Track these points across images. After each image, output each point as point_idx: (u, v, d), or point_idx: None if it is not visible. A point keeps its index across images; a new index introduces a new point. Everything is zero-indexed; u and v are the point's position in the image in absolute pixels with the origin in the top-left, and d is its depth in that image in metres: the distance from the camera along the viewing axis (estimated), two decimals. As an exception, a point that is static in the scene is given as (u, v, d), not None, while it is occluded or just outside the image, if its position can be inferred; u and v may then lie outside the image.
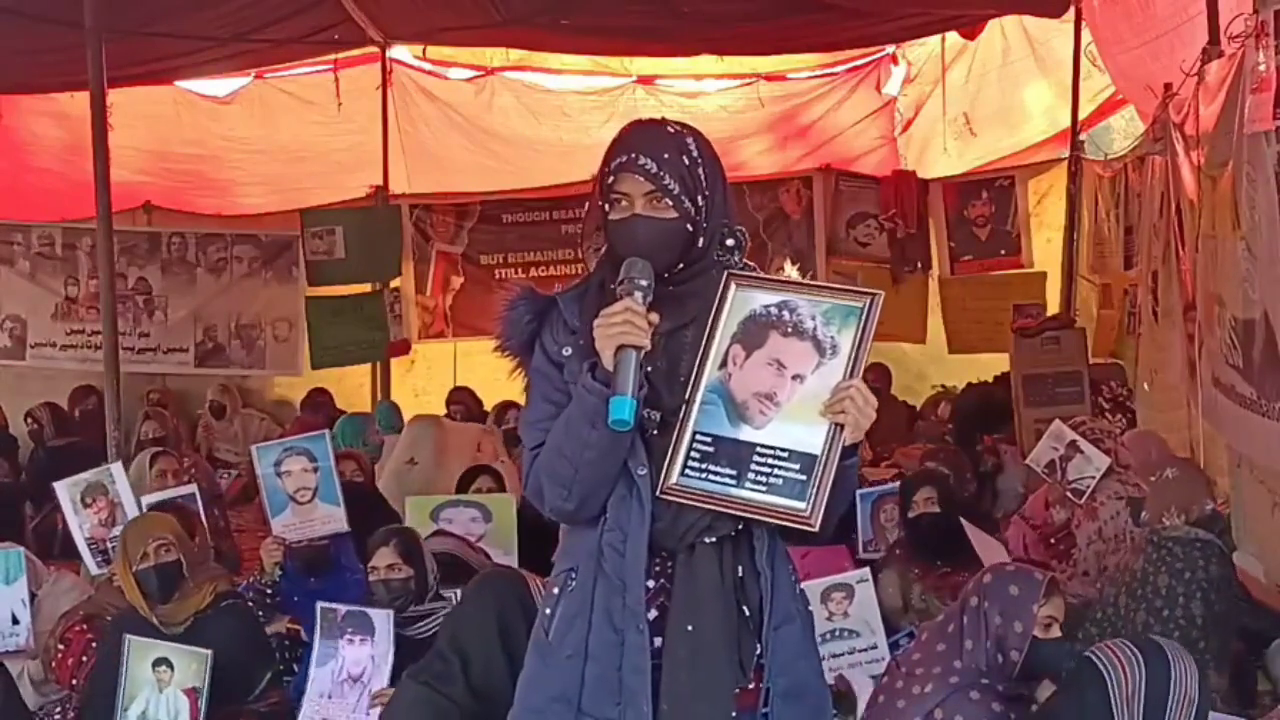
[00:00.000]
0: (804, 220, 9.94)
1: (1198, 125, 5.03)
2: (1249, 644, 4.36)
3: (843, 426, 2.30)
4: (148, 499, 5.59)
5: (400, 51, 9.76)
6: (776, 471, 2.32)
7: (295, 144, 10.11)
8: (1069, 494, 5.62)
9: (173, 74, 9.16)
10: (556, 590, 2.47)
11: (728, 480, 2.33)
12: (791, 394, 2.34)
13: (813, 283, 2.47)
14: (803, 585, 2.58)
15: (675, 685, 2.35)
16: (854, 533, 5.68)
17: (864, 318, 2.35)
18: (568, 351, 2.44)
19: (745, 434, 2.34)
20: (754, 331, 2.38)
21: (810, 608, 2.58)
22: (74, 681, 4.63)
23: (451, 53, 9.91)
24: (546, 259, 10.01)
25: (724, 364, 2.38)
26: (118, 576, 4.59)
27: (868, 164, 10.24)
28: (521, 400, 2.60)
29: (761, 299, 2.39)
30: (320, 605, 4.33)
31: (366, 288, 10.01)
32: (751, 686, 2.40)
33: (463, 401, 9.15)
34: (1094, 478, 5.54)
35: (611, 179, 2.40)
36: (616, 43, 9.17)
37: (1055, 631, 3.38)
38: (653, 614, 2.38)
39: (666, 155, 2.38)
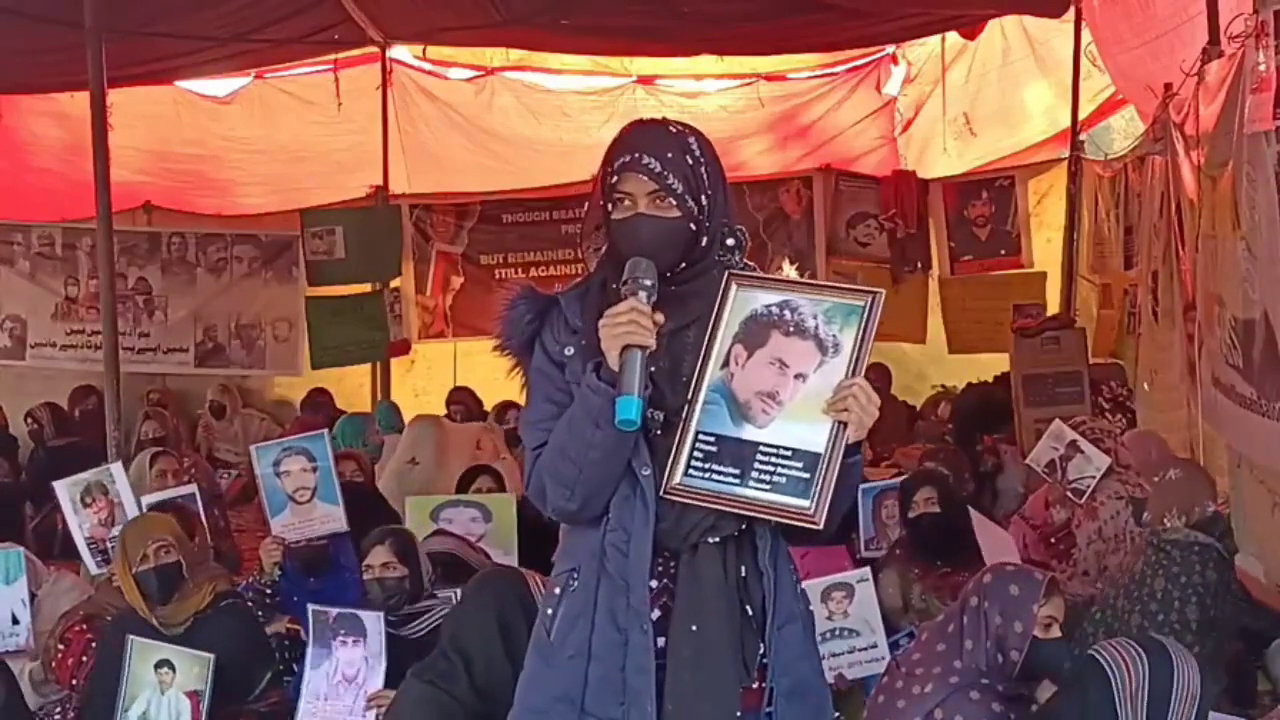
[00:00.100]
0: (804, 220, 9.94)
1: (1198, 125, 5.03)
2: (1249, 644, 4.36)
3: (846, 424, 2.30)
4: (148, 499, 5.59)
5: (400, 51, 9.76)
6: (780, 470, 2.32)
7: (295, 144, 10.11)
8: (1069, 494, 5.62)
9: (173, 74, 9.17)
10: (558, 590, 2.47)
11: (731, 479, 2.33)
12: (794, 393, 2.35)
13: (814, 282, 2.48)
14: (803, 585, 2.58)
15: (679, 685, 2.35)
16: (855, 532, 5.67)
17: (865, 316, 2.35)
18: (570, 351, 2.44)
19: (748, 433, 2.35)
20: (756, 331, 2.38)
21: (811, 608, 2.59)
22: (74, 681, 4.63)
23: (451, 53, 9.91)
24: (546, 259, 10.01)
25: (726, 364, 2.38)
26: (117, 577, 4.58)
27: (868, 164, 10.24)
28: (521, 400, 2.60)
29: (763, 299, 2.40)
30: (311, 608, 4.32)
31: (366, 288, 10.01)
32: (755, 686, 2.40)
33: (463, 401, 9.15)
34: (1094, 477, 5.54)
35: (615, 179, 2.40)
36: (616, 43, 9.17)
37: (1055, 631, 3.38)
38: (655, 614, 2.38)
39: (670, 155, 2.39)
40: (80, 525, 5.33)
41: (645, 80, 10.10)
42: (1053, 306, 8.98)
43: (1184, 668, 3.14)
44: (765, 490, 2.32)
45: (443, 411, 8.89)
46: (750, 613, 2.41)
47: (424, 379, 10.56)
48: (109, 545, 5.16)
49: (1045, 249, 9.59)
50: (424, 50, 9.83)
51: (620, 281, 2.35)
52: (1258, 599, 4.49)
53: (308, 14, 8.19)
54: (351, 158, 10.14)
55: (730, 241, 2.48)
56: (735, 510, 2.35)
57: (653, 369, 2.33)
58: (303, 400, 10.09)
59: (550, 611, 2.47)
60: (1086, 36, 8.00)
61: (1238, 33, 4.15)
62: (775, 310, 2.39)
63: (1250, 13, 3.96)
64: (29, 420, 9.16)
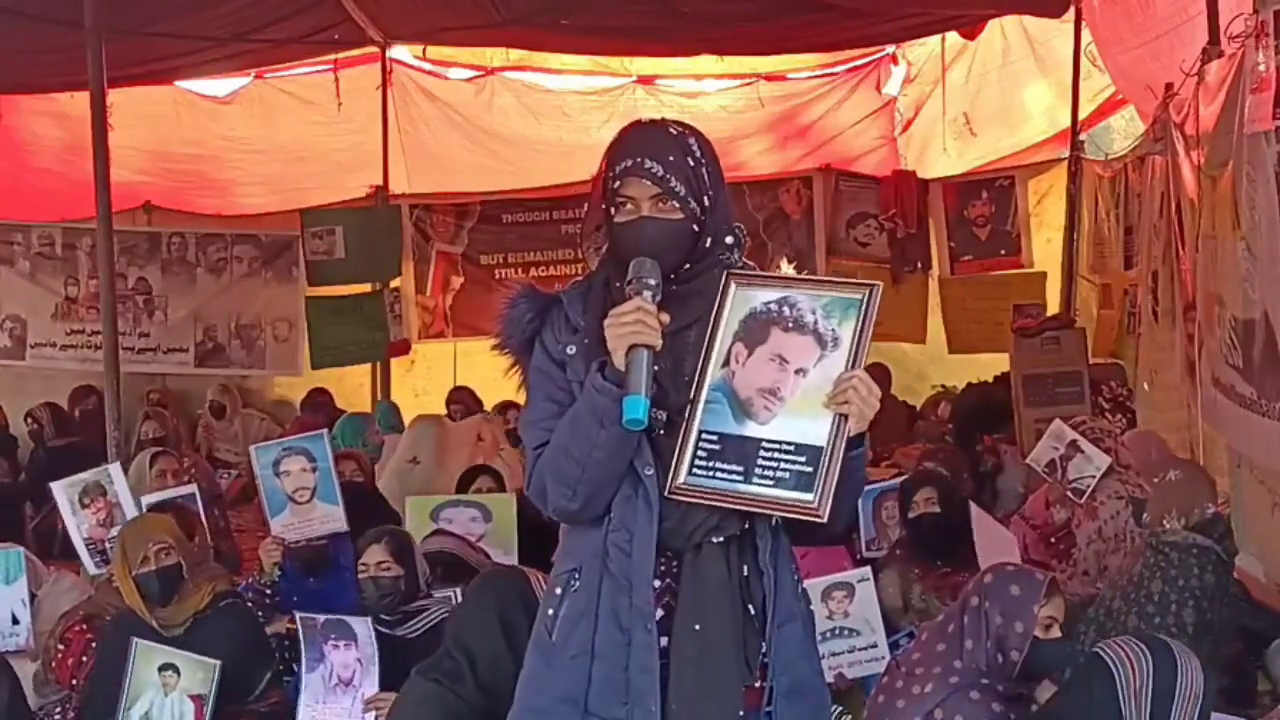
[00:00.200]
0: (804, 220, 9.94)
1: (1198, 125, 5.03)
2: (1249, 644, 4.36)
3: (847, 417, 2.31)
4: (148, 499, 5.59)
5: (400, 51, 9.76)
6: (783, 465, 2.32)
7: (295, 144, 10.11)
8: (1069, 493, 5.62)
9: (173, 74, 9.17)
10: (559, 590, 2.46)
11: (735, 477, 2.34)
12: (795, 388, 2.35)
13: (812, 277, 2.49)
14: (804, 584, 2.59)
15: (683, 684, 2.36)
16: (855, 532, 5.68)
17: (864, 309, 2.35)
18: (571, 350, 2.44)
19: (750, 430, 2.35)
20: (755, 329, 2.39)
21: (811, 607, 2.59)
22: (74, 681, 4.63)
23: (451, 53, 9.91)
24: (546, 259, 10.01)
25: (727, 362, 2.39)
26: (116, 580, 4.58)
27: (868, 164, 10.24)
28: (521, 400, 2.60)
29: (761, 296, 2.41)
30: (299, 616, 4.31)
31: (366, 288, 10.02)
32: (757, 685, 2.40)
33: (463, 401, 9.14)
34: (1094, 477, 5.54)
35: (617, 183, 2.40)
36: (616, 43, 9.17)
37: (1055, 632, 3.38)
38: (658, 613, 2.38)
39: (672, 158, 2.39)
40: (79, 526, 5.33)
41: (645, 80, 10.10)
42: (1053, 306, 8.98)
43: (1188, 667, 3.15)
44: (769, 486, 2.32)
45: (443, 411, 8.89)
46: (752, 612, 2.41)
47: (424, 379, 10.56)
48: (107, 546, 5.15)
49: (1045, 249, 9.59)
50: (424, 50, 9.83)
51: (624, 281, 2.36)
52: (1258, 599, 4.49)
53: (308, 14, 8.19)
54: (351, 158, 10.14)
55: (729, 240, 2.48)
56: (740, 507, 2.36)
57: (655, 369, 2.33)
58: (303, 400, 10.09)
59: (551, 611, 2.47)
60: (1086, 36, 8.00)
61: (1238, 33, 4.15)
62: (774, 307, 2.39)
63: (1250, 13, 3.96)
64: (29, 420, 9.16)
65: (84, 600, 4.94)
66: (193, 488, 5.85)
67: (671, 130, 2.46)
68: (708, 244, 2.45)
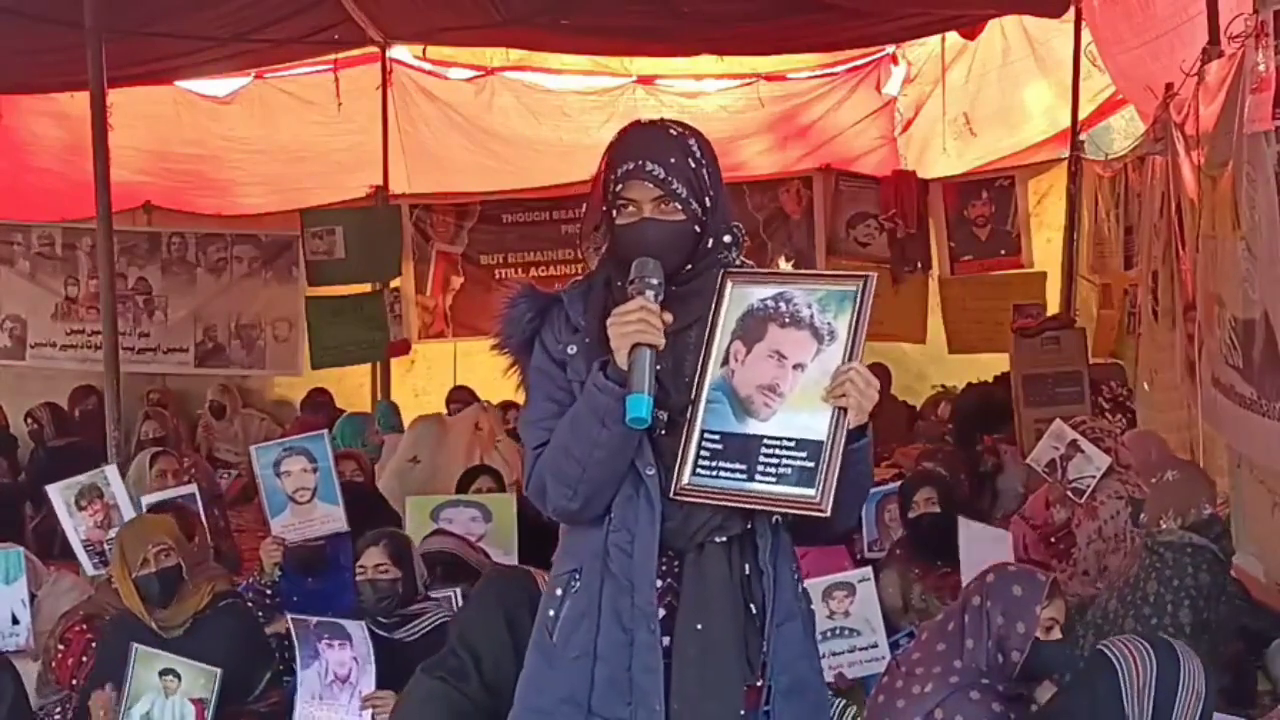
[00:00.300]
0: (804, 220, 9.94)
1: (1198, 125, 5.02)
2: (1249, 644, 4.36)
3: (846, 410, 2.30)
4: (148, 499, 5.60)
5: (400, 51, 9.76)
6: (785, 461, 2.32)
7: (295, 144, 10.11)
8: (1069, 493, 5.62)
9: (173, 74, 9.17)
10: (559, 591, 2.46)
11: (738, 475, 2.34)
12: (794, 383, 2.35)
13: (806, 271, 2.49)
14: (805, 584, 2.58)
15: (685, 684, 2.36)
16: (857, 533, 5.68)
17: (859, 300, 2.35)
18: (572, 350, 2.44)
19: (752, 428, 2.35)
20: (753, 326, 2.40)
21: (811, 606, 2.59)
22: (74, 681, 4.63)
23: (451, 53, 9.91)
24: (546, 259, 10.02)
25: (726, 361, 2.39)
26: (116, 582, 4.57)
27: (868, 164, 10.24)
28: (521, 400, 2.60)
29: (758, 293, 2.41)
30: (291, 617, 4.32)
31: (366, 288, 10.02)
32: (758, 684, 2.40)
33: (462, 401, 9.13)
34: (1094, 477, 5.54)
35: (619, 185, 2.40)
36: (616, 43, 9.17)
37: (1056, 634, 3.38)
38: (660, 613, 2.38)
39: (673, 160, 2.39)
40: (76, 528, 5.32)
41: (645, 80, 10.10)
42: (1053, 306, 8.98)
43: (1191, 666, 3.16)
44: (772, 483, 2.32)
45: (443, 412, 8.89)
46: (753, 611, 2.41)
47: (424, 379, 10.56)
48: (105, 547, 5.15)
49: (1045, 249, 9.60)
50: (424, 50, 9.83)
51: (626, 281, 2.36)
52: (1257, 599, 4.49)
53: (308, 14, 8.19)
54: (351, 158, 10.14)
55: (727, 240, 2.48)
56: (744, 505, 2.36)
57: (657, 368, 2.33)
58: (303, 400, 10.10)
59: (552, 612, 2.46)
60: (1086, 36, 8.00)
61: (1238, 33, 4.15)
62: (770, 303, 2.40)
63: (1250, 13, 3.96)
64: (29, 420, 9.16)
65: (84, 600, 4.94)
66: (193, 488, 5.85)
67: (672, 131, 2.46)
68: (708, 244, 2.45)
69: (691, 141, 2.44)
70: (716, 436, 2.37)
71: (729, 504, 2.36)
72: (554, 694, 2.43)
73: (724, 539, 2.40)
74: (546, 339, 2.47)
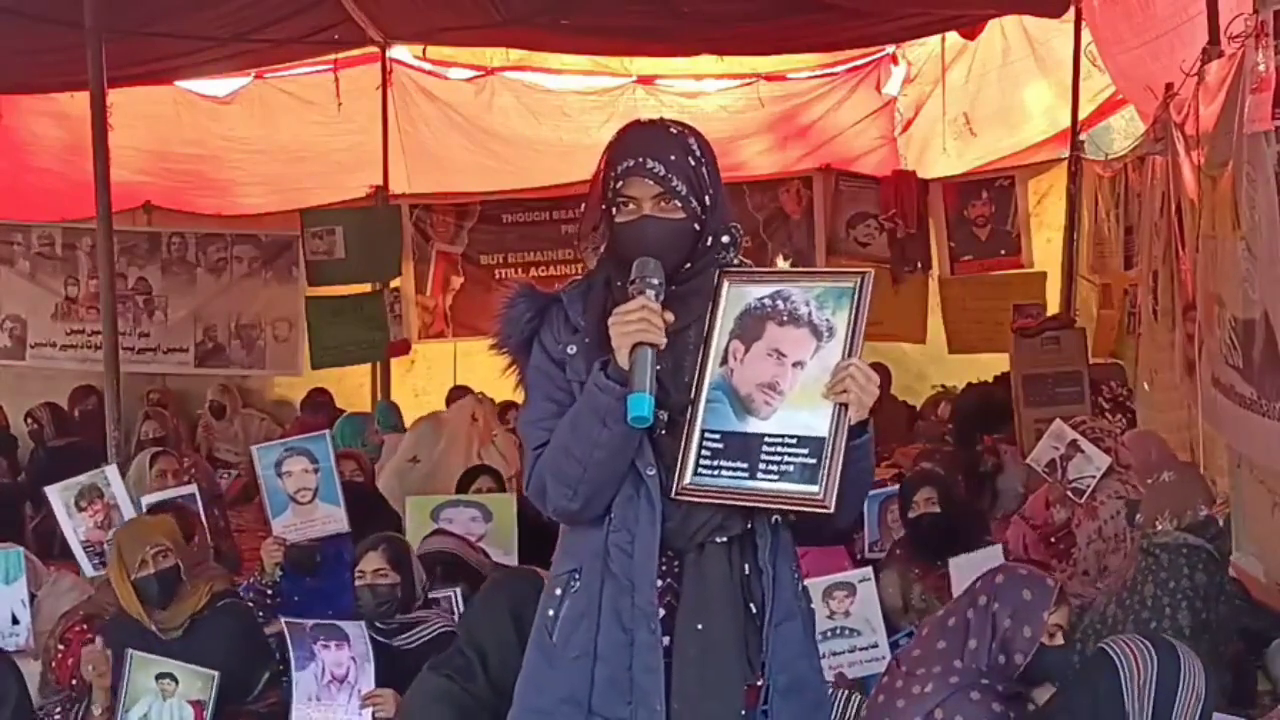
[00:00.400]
0: (804, 220, 9.95)
1: (1198, 125, 5.02)
2: (1249, 644, 4.36)
3: (847, 406, 2.30)
4: (148, 499, 5.60)
5: (400, 51, 9.76)
6: (787, 459, 2.32)
7: (295, 144, 10.12)
8: (1069, 493, 5.62)
9: (173, 74, 9.17)
10: (559, 591, 2.46)
11: (740, 474, 2.34)
12: (793, 381, 2.35)
13: (803, 269, 2.49)
14: (805, 583, 2.58)
15: (685, 684, 2.36)
16: (858, 533, 5.68)
17: (856, 297, 2.36)
18: (572, 350, 2.44)
19: (752, 426, 2.35)
20: (751, 325, 2.40)
21: (811, 605, 2.59)
22: (74, 681, 4.63)
23: (451, 53, 9.91)
24: (546, 259, 10.02)
25: (725, 360, 2.39)
26: (113, 585, 4.56)
27: (868, 164, 10.25)
28: (521, 400, 2.60)
29: (755, 292, 2.41)
30: (284, 621, 4.30)
31: (366, 288, 10.02)
32: (758, 684, 2.40)
33: (462, 401, 9.15)
34: (1094, 477, 5.54)
35: (619, 183, 2.40)
36: (616, 43, 9.18)
37: (1059, 639, 3.38)
38: (660, 613, 2.38)
39: (673, 157, 2.40)
40: (75, 529, 5.32)
41: (645, 80, 10.11)
42: (1053, 306, 8.99)
43: (1191, 665, 3.16)
44: (774, 480, 2.32)
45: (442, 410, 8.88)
46: (753, 610, 2.41)
47: (424, 379, 10.57)
48: (106, 547, 5.15)
49: (1045, 249, 9.60)
50: (424, 50, 9.84)
51: (625, 281, 2.36)
52: (1257, 599, 4.49)
53: (308, 14, 8.19)
54: (351, 158, 10.14)
55: (725, 239, 2.48)
56: (747, 504, 2.36)
57: (657, 368, 2.33)
58: (303, 400, 10.10)
59: (551, 612, 2.46)
60: (1086, 36, 8.01)
61: (1238, 33, 4.15)
62: (768, 302, 2.40)
63: (1250, 13, 3.96)
64: (29, 420, 9.17)
65: (84, 600, 4.94)
66: (193, 488, 5.85)
67: (672, 130, 2.47)
68: (707, 243, 2.45)
69: (691, 140, 2.45)
70: (717, 436, 2.37)
71: (732, 503, 2.36)
72: (554, 694, 2.43)
73: (724, 539, 2.40)
74: (545, 339, 2.47)
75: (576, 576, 2.44)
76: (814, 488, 2.30)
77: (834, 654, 4.36)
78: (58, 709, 4.60)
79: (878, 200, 9.82)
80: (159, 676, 4.21)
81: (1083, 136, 8.97)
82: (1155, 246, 6.16)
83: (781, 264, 9.41)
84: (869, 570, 4.68)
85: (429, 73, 10.10)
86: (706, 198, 2.42)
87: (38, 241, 10.09)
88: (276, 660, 4.58)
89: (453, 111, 10.13)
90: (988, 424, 7.46)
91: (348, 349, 9.83)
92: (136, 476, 6.54)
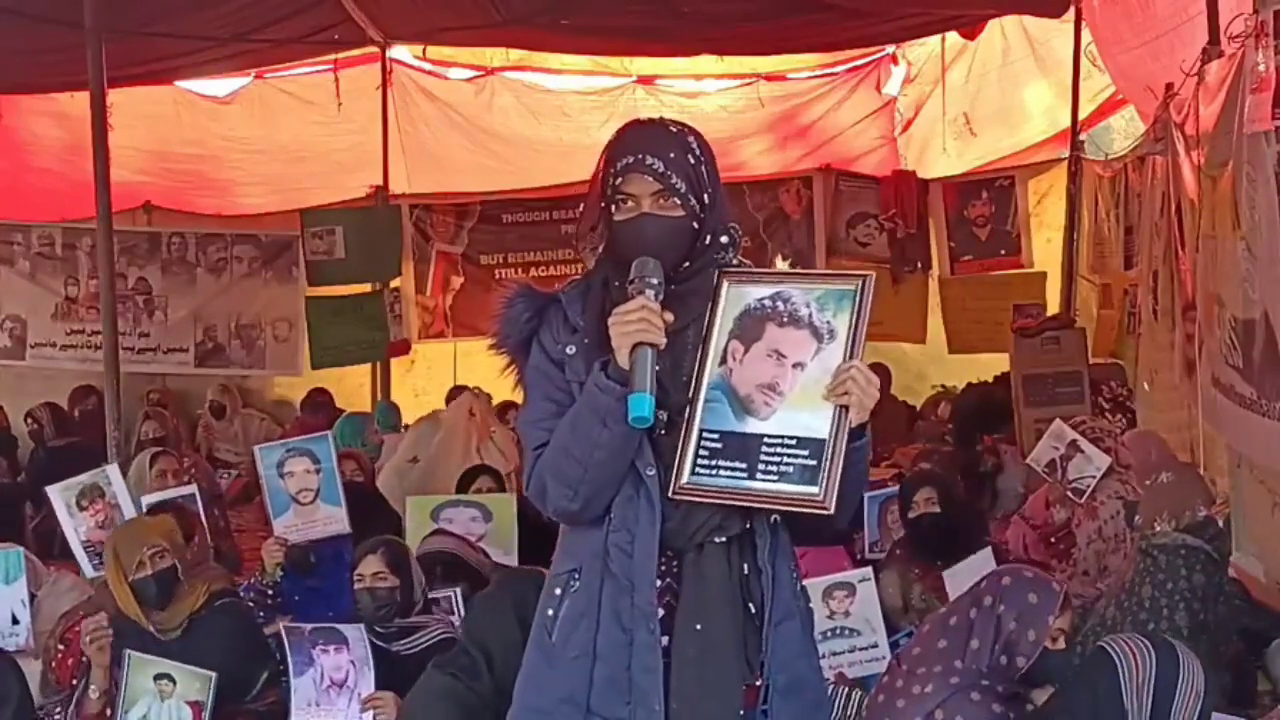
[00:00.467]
0: (804, 220, 9.95)
1: (1198, 125, 5.02)
2: (1249, 644, 4.36)
3: (847, 408, 2.30)
4: (148, 499, 5.60)
5: (400, 51, 9.76)
6: (787, 460, 2.32)
7: (295, 144, 10.12)
8: (1069, 493, 5.62)
9: (173, 74, 9.17)
10: (558, 591, 2.46)
11: (739, 474, 2.34)
12: (794, 382, 2.35)
13: (804, 271, 2.49)
14: (805, 583, 2.59)
15: (684, 684, 2.36)
16: (858, 533, 5.69)
17: (858, 299, 2.36)
18: (571, 350, 2.44)
19: (751, 426, 2.35)
20: (750, 325, 2.40)
21: (810, 604, 2.59)
22: (74, 681, 4.62)
23: (451, 53, 9.91)
24: (546, 259, 10.02)
25: (723, 360, 2.39)
26: (111, 586, 4.54)
27: (868, 164, 10.25)
28: (521, 399, 2.60)
29: (755, 293, 2.41)
30: (283, 625, 4.30)
31: (366, 288, 10.02)
32: (757, 684, 2.40)
33: (462, 401, 9.14)
34: (1094, 477, 5.55)
35: (619, 180, 2.40)
36: (616, 43, 9.18)
37: (1061, 643, 3.38)
38: (659, 613, 2.38)
39: (673, 155, 2.40)
40: (76, 529, 5.31)
41: (645, 80, 10.11)
42: (1053, 306, 8.99)
43: (1190, 664, 3.17)
44: (773, 481, 2.32)
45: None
46: (752, 610, 2.41)
47: (424, 379, 10.56)
48: (106, 548, 5.16)
49: (1045, 249, 9.60)
50: (424, 50, 9.84)
51: (626, 280, 2.36)
52: (1257, 599, 4.49)
53: (308, 14, 8.19)
54: (351, 158, 10.14)
55: (724, 240, 2.48)
56: (745, 504, 2.36)
57: (656, 369, 2.33)
58: (303, 400, 10.11)
59: (551, 612, 2.46)
60: (1086, 36, 8.00)
61: (1238, 33, 4.15)
62: (768, 303, 2.40)
63: (1250, 13, 3.96)
64: (29, 420, 9.17)
65: (84, 600, 4.94)
66: (193, 488, 5.85)
67: (671, 128, 2.47)
68: (706, 242, 2.45)
69: (690, 139, 2.45)
70: (715, 435, 2.36)
71: (729, 503, 2.36)
72: (553, 693, 2.43)
73: (723, 539, 2.40)
74: (545, 339, 2.47)
75: (576, 576, 2.44)
76: (814, 489, 2.30)
77: (834, 654, 4.36)
78: (58, 709, 4.60)
79: (878, 200, 9.82)
80: (157, 677, 4.21)
81: (1083, 136, 8.97)
82: (1155, 246, 6.16)
83: (780, 264, 9.43)
84: (869, 570, 4.68)
85: (429, 73, 10.10)
86: (705, 196, 2.42)
87: (38, 241, 10.09)
88: (275, 659, 4.58)
89: (453, 111, 10.13)
90: (988, 424, 7.46)
91: (348, 349, 9.83)
92: (136, 476, 6.53)
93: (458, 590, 4.77)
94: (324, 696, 4.14)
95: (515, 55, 9.86)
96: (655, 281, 2.34)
